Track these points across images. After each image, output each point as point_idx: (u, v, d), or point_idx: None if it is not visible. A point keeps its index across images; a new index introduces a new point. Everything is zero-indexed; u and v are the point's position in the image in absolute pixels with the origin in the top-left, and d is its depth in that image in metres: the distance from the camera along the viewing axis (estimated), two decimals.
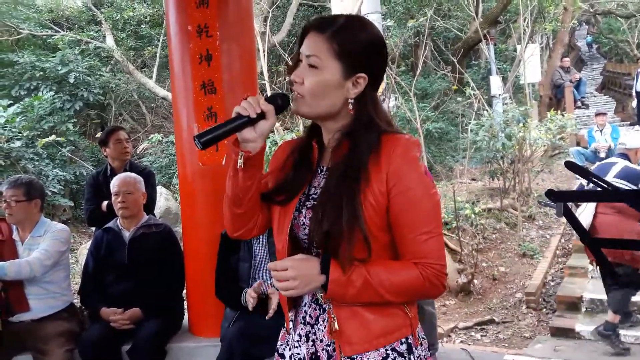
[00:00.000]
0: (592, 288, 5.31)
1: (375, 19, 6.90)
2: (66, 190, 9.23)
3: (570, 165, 1.26)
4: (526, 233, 7.20)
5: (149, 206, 3.28)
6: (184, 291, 3.16)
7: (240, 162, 1.24)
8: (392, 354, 1.23)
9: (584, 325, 4.78)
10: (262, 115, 1.22)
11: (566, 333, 4.81)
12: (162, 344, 2.85)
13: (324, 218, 1.19)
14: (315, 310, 1.31)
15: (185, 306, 3.19)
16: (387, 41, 10.14)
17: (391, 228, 1.22)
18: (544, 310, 5.54)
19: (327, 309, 1.28)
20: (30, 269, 2.78)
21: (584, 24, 23.07)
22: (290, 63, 1.44)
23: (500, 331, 5.20)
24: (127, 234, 3.02)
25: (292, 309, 1.37)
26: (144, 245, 2.98)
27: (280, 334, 1.44)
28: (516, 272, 6.32)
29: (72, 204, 9.23)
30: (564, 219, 7.29)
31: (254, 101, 1.21)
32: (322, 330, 1.28)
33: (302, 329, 1.34)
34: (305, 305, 1.34)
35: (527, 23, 10.01)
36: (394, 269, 1.20)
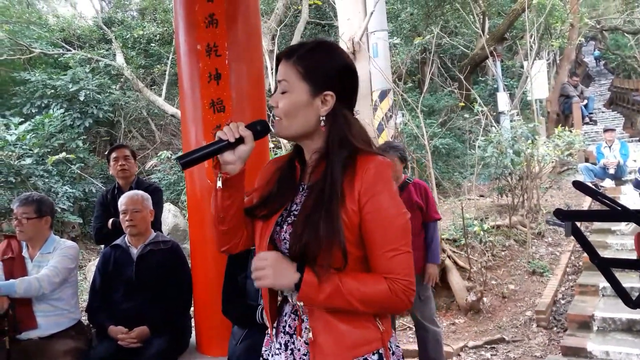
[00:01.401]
0: (604, 306, 5.23)
1: (382, 37, 6.97)
2: (75, 207, 9.28)
3: (578, 185, 1.26)
4: (535, 250, 7.13)
5: (154, 223, 3.30)
6: (192, 309, 3.16)
7: (219, 182, 1.33)
8: None
9: (595, 345, 4.70)
10: (241, 140, 1.31)
11: (578, 352, 4.73)
12: None
13: (303, 233, 1.27)
14: (295, 320, 1.38)
15: (193, 324, 3.18)
16: (394, 58, 10.21)
17: (363, 244, 1.29)
18: (555, 329, 5.46)
19: (304, 319, 1.35)
20: (39, 286, 2.79)
21: (590, 40, 23.10)
22: None
23: (511, 350, 5.13)
24: (134, 251, 3.03)
25: (276, 318, 1.44)
26: (151, 262, 2.99)
27: (265, 339, 1.51)
28: (526, 290, 6.25)
29: (81, 221, 9.28)
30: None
31: (234, 127, 1.31)
32: (300, 340, 1.36)
33: (282, 337, 1.41)
34: (285, 315, 1.42)
35: (534, 40, 10.02)
36: (365, 280, 1.26)
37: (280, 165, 1.46)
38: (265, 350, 1.49)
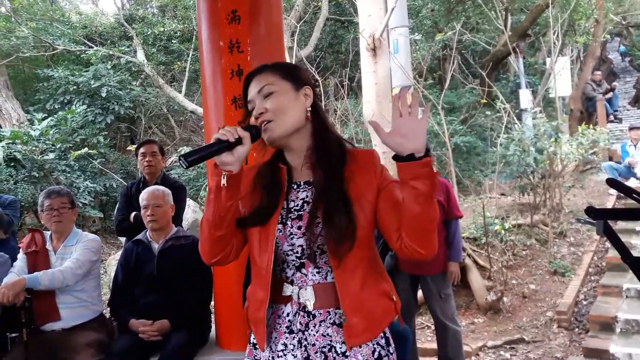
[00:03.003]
0: (627, 308, 5.14)
1: (403, 33, 6.91)
2: (96, 202, 9.41)
3: (612, 182, 1.23)
4: (557, 250, 7.03)
5: (175, 219, 3.31)
6: (212, 304, 3.17)
7: (223, 180, 1.37)
8: (377, 347, 1.44)
9: (618, 347, 4.62)
10: (239, 141, 1.36)
11: (600, 354, 4.65)
12: (190, 357, 2.85)
13: (327, 224, 1.36)
14: (304, 317, 1.44)
15: (213, 319, 3.19)
16: (414, 55, 10.13)
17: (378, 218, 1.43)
18: (576, 330, 5.38)
19: (316, 314, 1.43)
20: (63, 278, 2.83)
21: (615, 36, 22.64)
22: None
23: (531, 350, 5.06)
24: (156, 246, 3.05)
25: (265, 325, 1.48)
26: (172, 257, 3.01)
27: (247, 350, 1.57)
28: (547, 290, 6.16)
29: (102, 215, 9.40)
30: (596, 236, 7.12)
31: (232, 129, 1.37)
32: (314, 335, 1.42)
33: (287, 337, 1.45)
34: (288, 315, 1.46)
35: (557, 36, 9.85)
36: None
37: (260, 171, 1.52)
38: None
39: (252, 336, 1.55)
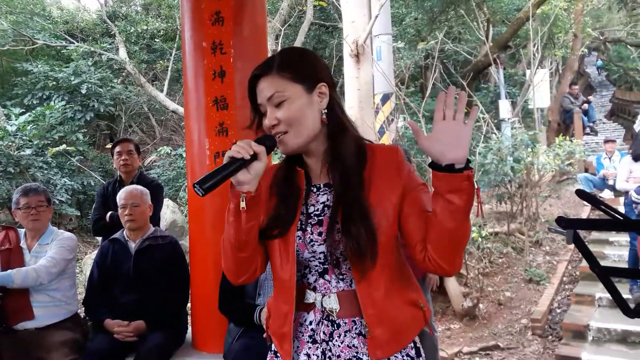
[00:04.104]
0: (599, 317, 5.24)
1: (386, 41, 6.98)
2: (73, 200, 9.27)
3: (580, 194, 1.27)
4: (533, 258, 7.15)
5: (153, 219, 3.28)
6: (189, 305, 3.16)
7: (243, 203, 1.26)
8: (407, 359, 1.35)
9: (590, 355, 4.71)
10: (254, 157, 1.25)
11: None
12: (166, 358, 2.83)
13: (345, 236, 1.25)
14: (328, 326, 1.35)
15: (189, 320, 3.18)
16: (397, 62, 10.21)
17: (402, 222, 1.31)
18: (550, 337, 5.47)
19: (340, 323, 1.33)
20: (37, 277, 2.79)
21: (593, 51, 23.15)
22: None
23: (505, 357, 5.13)
24: (133, 246, 3.03)
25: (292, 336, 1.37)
26: (149, 256, 2.99)
27: (268, 357, 1.46)
28: (522, 298, 6.26)
29: (79, 214, 9.26)
30: (571, 246, 7.25)
31: (245, 144, 1.24)
32: (339, 346, 1.33)
33: (310, 348, 1.36)
34: (311, 324, 1.36)
35: (537, 49, 10.05)
36: None
37: (275, 178, 1.41)
38: None
39: (273, 345, 1.46)
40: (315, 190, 1.38)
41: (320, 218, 1.33)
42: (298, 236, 1.33)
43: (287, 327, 1.36)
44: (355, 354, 1.32)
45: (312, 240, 1.32)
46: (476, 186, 1.16)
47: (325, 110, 1.32)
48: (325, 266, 1.33)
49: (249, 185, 1.25)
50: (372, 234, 1.25)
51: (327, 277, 1.34)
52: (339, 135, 1.32)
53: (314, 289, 1.36)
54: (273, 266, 1.39)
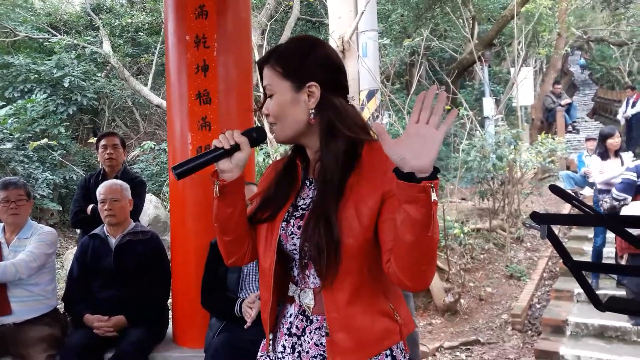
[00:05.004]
0: (577, 312, 5.33)
1: (372, 37, 6.99)
2: (55, 194, 9.16)
3: (554, 189, 1.29)
4: (514, 254, 7.24)
5: (134, 215, 3.25)
6: (169, 300, 3.15)
7: (216, 190, 1.31)
8: None
9: (568, 349, 4.79)
10: (236, 147, 1.29)
11: (550, 356, 4.81)
12: (146, 353, 2.82)
13: (313, 230, 1.24)
14: (302, 321, 1.35)
15: (170, 315, 3.17)
16: (383, 59, 10.25)
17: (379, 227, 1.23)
18: (529, 332, 5.55)
19: (313, 320, 1.33)
20: (15, 271, 2.76)
21: (577, 50, 23.42)
22: None
23: (485, 352, 5.20)
24: (113, 241, 3.01)
25: (274, 323, 1.40)
26: (130, 252, 2.97)
27: (262, 345, 1.47)
28: (503, 293, 6.34)
29: (61, 208, 9.16)
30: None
31: (229, 134, 1.29)
32: (309, 342, 1.33)
33: (286, 340, 1.37)
34: (290, 317, 1.38)
35: (522, 47, 10.15)
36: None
37: (279, 168, 1.44)
38: (261, 356, 1.45)
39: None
40: (308, 184, 1.39)
41: (304, 212, 1.33)
42: (282, 227, 1.34)
43: (265, 314, 1.39)
44: (322, 353, 1.30)
45: (292, 233, 1.33)
46: (434, 199, 1.06)
47: (313, 111, 1.30)
48: (306, 260, 1.32)
49: (229, 174, 1.30)
50: (332, 237, 1.21)
51: (307, 271, 1.33)
52: (326, 136, 1.30)
53: (296, 283, 1.37)
54: (258, 253, 1.42)
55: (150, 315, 2.94)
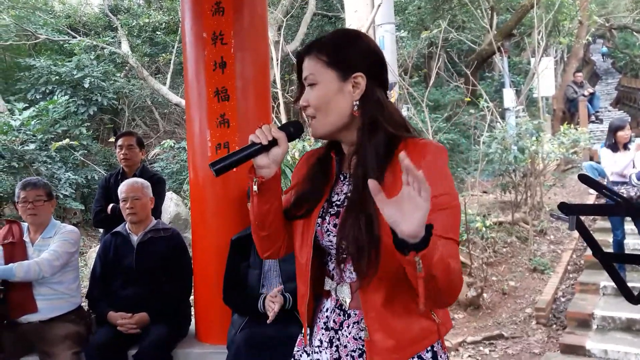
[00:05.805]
0: (604, 305, 5.23)
1: (389, 30, 6.93)
2: (77, 194, 9.30)
3: (583, 178, 1.25)
4: (537, 247, 7.13)
5: (154, 212, 3.28)
6: (192, 297, 3.16)
7: (255, 187, 1.29)
8: None
9: (594, 343, 4.70)
10: (274, 142, 1.26)
11: (576, 350, 4.73)
12: (168, 350, 2.84)
13: (352, 227, 1.20)
14: (340, 315, 1.34)
15: (193, 312, 3.19)
16: (400, 52, 10.15)
17: None
18: (554, 326, 5.46)
19: (351, 314, 1.31)
20: (39, 270, 2.80)
21: (599, 38, 22.96)
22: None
23: (509, 346, 5.13)
24: (135, 239, 3.03)
25: (312, 316, 1.39)
26: (152, 249, 2.99)
27: (298, 339, 1.47)
28: (526, 287, 6.25)
29: (83, 208, 9.29)
30: (576, 234, 7.23)
31: (266, 129, 1.25)
32: (347, 336, 1.31)
33: (323, 334, 1.37)
34: (327, 311, 1.37)
35: (542, 36, 9.95)
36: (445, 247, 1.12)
37: (313, 160, 1.41)
38: (298, 351, 1.45)
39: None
40: (342, 178, 1.36)
41: (338, 209, 1.30)
42: (317, 223, 1.33)
43: (302, 307, 1.37)
44: (361, 347, 1.28)
45: (328, 230, 1.31)
46: (421, 271, 1.02)
47: (357, 103, 1.26)
48: (344, 256, 1.28)
49: (267, 169, 1.27)
50: (372, 233, 1.18)
51: (343, 266, 1.31)
52: (367, 130, 1.25)
53: (332, 277, 1.36)
54: (294, 247, 1.41)
55: (172, 312, 2.96)
